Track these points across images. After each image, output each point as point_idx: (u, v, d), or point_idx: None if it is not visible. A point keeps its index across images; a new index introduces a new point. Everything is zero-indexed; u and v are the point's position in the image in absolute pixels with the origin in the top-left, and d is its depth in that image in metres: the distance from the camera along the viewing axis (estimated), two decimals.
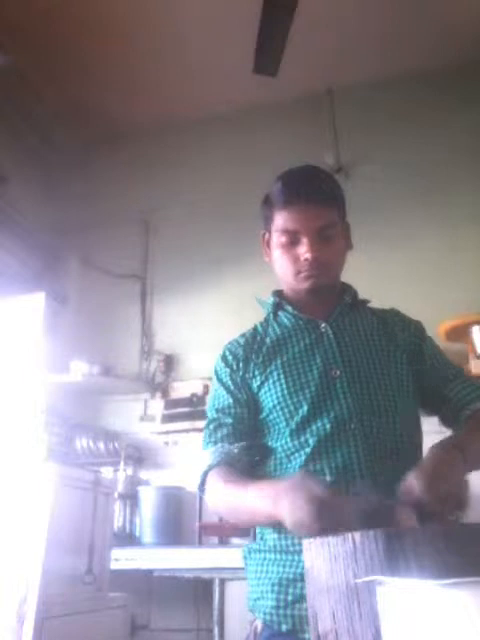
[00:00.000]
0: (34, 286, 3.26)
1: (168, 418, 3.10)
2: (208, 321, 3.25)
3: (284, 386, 1.10)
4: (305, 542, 0.66)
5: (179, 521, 2.80)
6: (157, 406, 3.16)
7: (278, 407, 1.09)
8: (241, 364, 1.17)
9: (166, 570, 2.42)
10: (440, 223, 3.08)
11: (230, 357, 1.19)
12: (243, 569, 2.37)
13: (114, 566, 2.15)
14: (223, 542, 2.78)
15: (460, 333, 2.66)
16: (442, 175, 3.15)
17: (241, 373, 1.16)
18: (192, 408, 3.09)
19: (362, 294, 1.26)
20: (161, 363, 3.25)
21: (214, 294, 3.29)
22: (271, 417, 1.11)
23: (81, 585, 1.87)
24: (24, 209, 3.33)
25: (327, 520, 0.76)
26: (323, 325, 1.16)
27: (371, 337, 1.17)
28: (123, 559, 2.40)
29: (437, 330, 2.61)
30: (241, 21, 2.82)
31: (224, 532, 2.80)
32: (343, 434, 1.04)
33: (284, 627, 0.97)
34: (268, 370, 1.14)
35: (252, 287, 3.25)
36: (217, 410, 1.18)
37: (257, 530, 1.16)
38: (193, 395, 3.11)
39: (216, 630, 2.25)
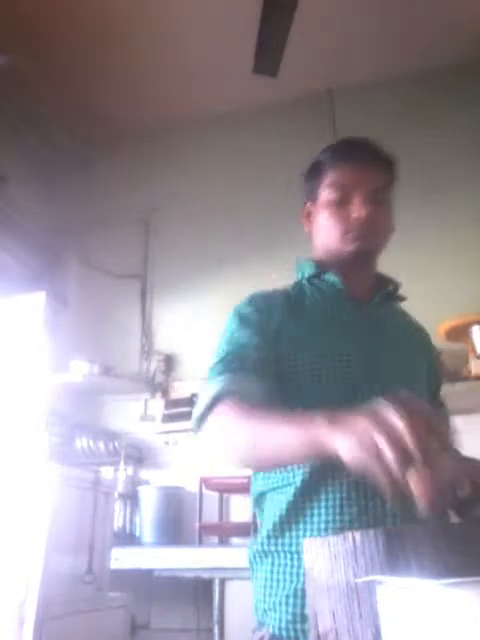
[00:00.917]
0: (34, 286, 3.26)
1: (168, 418, 3.10)
2: (208, 321, 3.25)
3: (324, 359, 0.99)
4: (305, 542, 0.66)
5: (179, 521, 2.80)
6: (157, 406, 3.16)
7: (314, 379, 0.97)
8: (276, 316, 1.04)
9: (166, 570, 2.42)
10: (440, 223, 3.08)
11: (263, 305, 1.06)
12: (243, 569, 2.36)
13: (114, 566, 2.15)
14: (223, 542, 2.78)
15: (460, 333, 2.66)
16: (442, 175, 3.15)
17: (275, 326, 1.02)
18: (192, 408, 3.07)
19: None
20: (161, 363, 3.24)
21: (214, 294, 3.29)
22: (301, 387, 0.98)
23: (81, 585, 1.87)
24: (24, 209, 3.33)
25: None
26: (365, 307, 1.09)
27: (407, 335, 1.13)
28: (123, 559, 2.40)
29: (437, 330, 2.61)
30: (241, 21, 2.83)
31: (224, 532, 2.80)
32: None
33: None
34: (307, 337, 1.01)
35: (252, 287, 3.27)
36: (234, 344, 1.00)
37: (261, 529, 1.00)
38: (193, 395, 3.11)
39: (216, 630, 2.25)
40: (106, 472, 2.80)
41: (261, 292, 1.11)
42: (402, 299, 1.19)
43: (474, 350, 2.62)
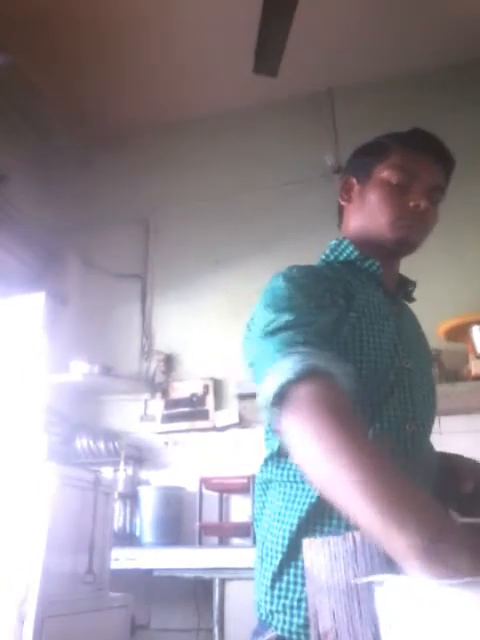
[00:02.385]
0: (34, 286, 3.26)
1: (168, 418, 3.10)
2: (208, 321, 3.25)
3: (379, 355, 0.91)
4: (305, 541, 0.66)
5: (179, 521, 2.80)
6: (157, 406, 3.16)
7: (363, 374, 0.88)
8: (340, 290, 0.91)
9: (166, 570, 2.42)
10: (440, 223, 3.07)
11: (321, 277, 0.93)
12: (243, 569, 2.36)
13: (114, 566, 2.15)
14: (223, 542, 2.78)
15: (460, 333, 2.66)
16: None
17: (342, 301, 0.89)
18: (192, 408, 3.09)
19: None
20: (161, 363, 3.24)
21: (214, 294, 3.29)
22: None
23: (81, 585, 1.87)
24: (24, 209, 3.33)
25: None
26: (397, 306, 1.04)
27: (418, 336, 1.10)
28: (123, 559, 2.40)
29: (437, 330, 2.61)
30: (241, 21, 2.82)
31: (224, 532, 2.80)
32: (401, 433, 0.91)
33: None
34: (363, 325, 0.91)
35: (252, 287, 3.27)
36: (301, 311, 0.81)
37: (279, 528, 0.90)
38: (193, 395, 3.12)
39: (216, 630, 2.25)
40: (106, 472, 2.80)
41: (303, 266, 0.95)
42: (412, 300, 1.16)
43: (474, 350, 2.62)
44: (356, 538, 0.59)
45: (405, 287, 1.11)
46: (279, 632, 0.85)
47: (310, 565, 0.64)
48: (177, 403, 3.12)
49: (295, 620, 0.83)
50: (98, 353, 3.14)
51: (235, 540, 2.78)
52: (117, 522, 2.69)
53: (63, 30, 3.06)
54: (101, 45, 3.17)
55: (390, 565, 0.56)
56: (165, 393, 3.20)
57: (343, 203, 1.09)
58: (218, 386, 3.11)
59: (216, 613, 2.27)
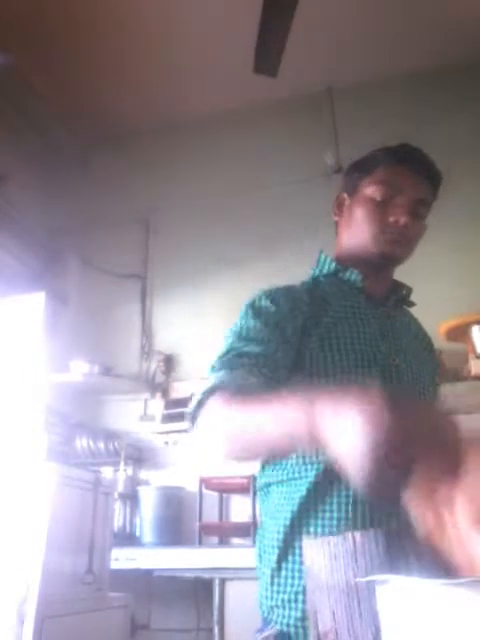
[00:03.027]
0: (34, 286, 3.26)
1: (168, 418, 3.10)
2: (208, 321, 3.25)
3: (351, 358, 0.97)
4: (305, 541, 0.66)
5: (179, 521, 2.80)
6: (157, 406, 3.16)
7: (336, 377, 0.94)
8: (303, 308, 0.99)
9: (166, 570, 2.42)
10: (440, 223, 3.06)
11: (283, 299, 1.00)
12: (243, 569, 2.37)
13: (114, 566, 2.15)
14: (223, 542, 2.78)
15: (460, 333, 2.66)
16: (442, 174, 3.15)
17: (300, 321, 0.98)
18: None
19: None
20: (161, 363, 3.24)
21: (214, 294, 3.29)
22: (322, 381, 0.95)
23: (81, 585, 1.87)
24: (24, 209, 3.33)
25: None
26: (382, 309, 1.08)
27: (416, 338, 1.14)
28: (123, 559, 2.40)
29: (437, 330, 2.61)
30: (241, 21, 2.82)
31: (224, 532, 2.80)
32: None
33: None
34: (332, 334, 0.99)
35: (252, 287, 3.28)
36: (240, 338, 0.93)
37: (273, 524, 0.96)
38: (193, 395, 3.11)
39: (216, 630, 2.25)
40: (106, 472, 2.80)
41: (279, 286, 1.05)
42: (412, 304, 1.19)
43: (474, 350, 2.62)
44: (356, 538, 0.59)
45: (398, 292, 1.14)
46: (279, 626, 0.89)
47: (310, 565, 0.64)
48: (177, 403, 3.12)
49: (293, 614, 0.88)
50: (98, 353, 3.14)
51: (235, 540, 2.78)
52: (117, 522, 2.69)
53: (63, 30, 3.06)
54: (101, 45, 3.17)
55: (390, 565, 0.56)
56: (165, 393, 3.20)
57: (336, 219, 1.14)
58: None
59: (216, 613, 2.27)
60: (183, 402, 3.11)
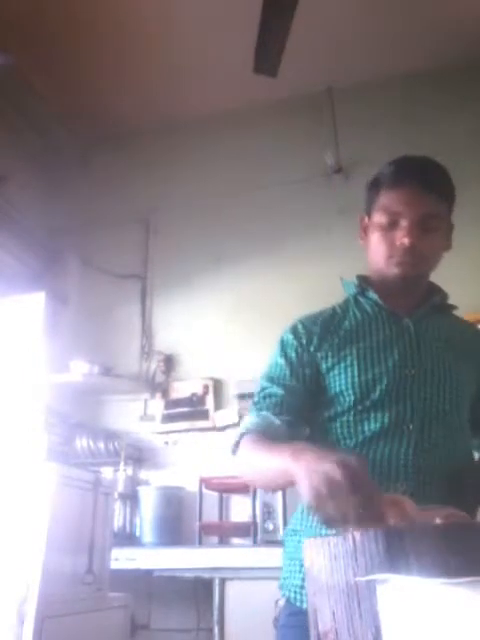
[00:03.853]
0: (34, 286, 3.26)
1: (168, 418, 3.10)
2: (208, 321, 3.25)
3: (356, 372, 1.07)
4: (305, 541, 0.66)
5: (179, 521, 2.80)
6: (157, 406, 3.16)
7: (348, 391, 1.06)
8: (315, 339, 1.12)
9: (166, 570, 2.42)
10: None
11: (302, 331, 1.14)
12: (243, 569, 2.38)
13: (114, 566, 2.15)
14: (223, 542, 2.78)
15: None
16: None
17: (312, 349, 1.11)
18: (192, 408, 3.09)
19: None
20: (161, 363, 3.24)
21: (214, 294, 3.29)
22: (337, 399, 1.08)
23: (81, 585, 1.87)
24: (24, 209, 3.33)
25: (346, 499, 0.70)
26: (406, 321, 1.13)
27: (450, 344, 1.14)
28: (123, 559, 2.40)
29: None
30: (241, 21, 2.82)
31: (224, 532, 2.80)
32: (399, 431, 1.03)
33: (305, 605, 0.97)
34: (343, 353, 1.10)
35: (252, 287, 3.28)
36: (270, 379, 1.12)
37: (295, 511, 1.14)
38: (193, 395, 3.12)
39: (216, 630, 2.25)
40: (106, 472, 2.80)
41: (306, 319, 1.17)
42: (453, 308, 1.21)
43: None
44: (356, 538, 0.59)
45: (430, 301, 1.17)
46: (288, 594, 1.05)
47: (310, 565, 0.64)
48: (177, 403, 3.12)
49: (296, 582, 1.03)
50: (98, 353, 3.14)
51: (235, 540, 2.78)
52: (117, 522, 2.69)
53: (63, 30, 3.06)
54: (101, 45, 3.17)
55: (390, 565, 0.56)
56: (165, 393, 3.19)
57: (362, 242, 1.20)
58: (218, 386, 3.11)
59: (216, 613, 2.27)
60: (183, 402, 3.12)
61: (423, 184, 1.09)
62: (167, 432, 3.09)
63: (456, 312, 1.23)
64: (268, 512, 2.56)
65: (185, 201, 3.51)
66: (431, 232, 1.09)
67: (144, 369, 3.28)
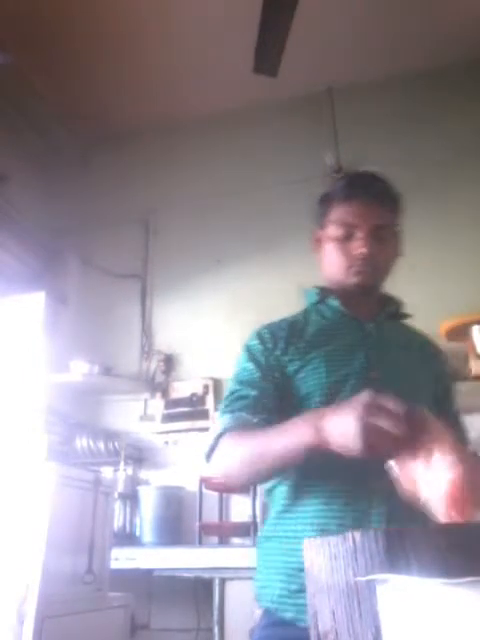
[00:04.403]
0: (34, 286, 3.26)
1: (168, 418, 3.10)
2: (208, 321, 3.25)
3: (324, 374, 1.09)
4: (305, 541, 0.66)
5: (179, 521, 2.80)
6: (157, 406, 3.16)
7: (316, 392, 1.08)
8: (280, 344, 1.14)
9: (166, 570, 2.42)
10: (441, 223, 3.08)
11: (267, 336, 1.16)
12: (243, 569, 2.38)
13: (114, 566, 2.15)
14: (223, 542, 2.78)
15: (460, 333, 2.66)
16: (442, 175, 3.15)
17: (278, 353, 1.13)
18: (192, 408, 3.09)
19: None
20: (161, 363, 3.24)
21: (214, 294, 3.29)
22: (305, 402, 1.10)
23: (81, 585, 1.87)
24: (24, 209, 3.33)
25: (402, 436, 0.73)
26: (369, 325, 1.17)
27: (409, 350, 1.19)
28: (123, 559, 2.39)
29: (437, 330, 2.61)
30: (241, 21, 2.82)
31: (224, 532, 2.80)
32: None
33: (288, 615, 0.99)
34: (309, 356, 1.12)
35: (252, 287, 3.28)
36: (240, 382, 1.13)
37: (268, 517, 1.14)
38: (193, 395, 3.12)
39: (216, 630, 2.25)
40: (106, 472, 2.80)
41: (270, 325, 1.20)
42: (407, 316, 1.26)
43: (474, 350, 2.62)
44: (356, 538, 0.58)
45: (387, 308, 1.22)
46: (266, 605, 1.03)
47: (310, 565, 0.64)
48: (177, 403, 3.12)
49: (276, 592, 1.01)
50: (98, 353, 3.14)
51: (235, 540, 2.78)
52: (117, 522, 2.69)
53: (63, 30, 3.06)
54: (100, 45, 3.17)
55: (390, 564, 0.56)
56: (165, 393, 3.19)
57: (316, 254, 1.25)
58: (218, 386, 3.11)
59: (216, 613, 2.27)
60: (183, 402, 3.12)
61: (374, 197, 1.16)
62: (167, 432, 3.09)
63: (409, 320, 1.28)
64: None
65: (185, 201, 3.51)
66: (384, 241, 1.15)
67: (144, 369, 3.28)
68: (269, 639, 1.01)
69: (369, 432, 0.76)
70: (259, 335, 1.18)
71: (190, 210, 3.48)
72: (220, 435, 1.04)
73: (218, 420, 1.09)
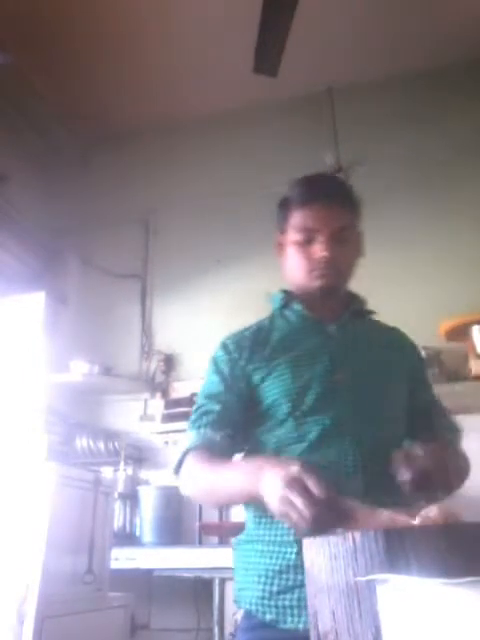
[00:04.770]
0: (34, 286, 3.26)
1: (168, 418, 3.10)
2: (208, 321, 3.25)
3: (289, 380, 1.10)
4: (305, 541, 0.66)
5: (179, 521, 2.80)
6: (157, 406, 3.16)
7: (282, 399, 1.09)
8: (245, 354, 1.16)
9: (166, 570, 2.42)
10: (441, 223, 3.08)
11: (232, 346, 1.18)
12: None
13: (114, 566, 2.15)
14: (223, 542, 2.78)
15: (460, 333, 2.66)
16: (443, 174, 3.14)
17: (243, 363, 1.15)
18: (192, 408, 3.08)
19: (362, 294, 1.27)
20: (161, 363, 3.24)
21: (214, 294, 3.29)
22: (272, 409, 1.11)
23: (81, 585, 1.87)
24: (24, 209, 3.33)
25: (317, 508, 0.75)
26: (332, 327, 1.17)
27: (375, 347, 1.20)
28: (123, 559, 2.39)
29: (437, 330, 2.60)
30: (241, 21, 2.82)
31: (224, 532, 2.80)
32: (340, 431, 1.06)
33: (268, 617, 0.99)
34: (274, 363, 1.13)
35: (252, 287, 3.28)
36: (206, 396, 1.17)
37: (246, 522, 1.18)
38: (193, 395, 3.11)
39: (216, 630, 2.25)
40: (106, 472, 2.80)
41: (234, 335, 1.22)
42: (371, 313, 1.27)
43: (474, 350, 2.62)
44: (356, 538, 0.59)
45: (351, 307, 1.22)
46: (246, 607, 1.04)
47: (310, 565, 0.64)
48: (177, 403, 3.11)
49: (256, 594, 1.02)
50: (98, 353, 3.14)
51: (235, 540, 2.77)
52: (117, 522, 2.69)
53: (63, 30, 3.06)
54: (101, 45, 3.17)
55: (390, 564, 0.56)
56: (165, 393, 3.19)
57: (278, 259, 1.25)
58: None
59: (216, 613, 2.27)
60: (183, 402, 3.11)
61: (332, 200, 1.16)
62: (167, 432, 3.08)
63: (375, 316, 1.29)
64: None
65: (185, 201, 3.51)
66: (345, 243, 1.15)
67: (144, 369, 3.28)
68: None
69: (285, 504, 0.78)
70: (224, 346, 1.20)
71: (190, 210, 3.48)
72: (187, 452, 1.08)
73: (186, 434, 1.13)
